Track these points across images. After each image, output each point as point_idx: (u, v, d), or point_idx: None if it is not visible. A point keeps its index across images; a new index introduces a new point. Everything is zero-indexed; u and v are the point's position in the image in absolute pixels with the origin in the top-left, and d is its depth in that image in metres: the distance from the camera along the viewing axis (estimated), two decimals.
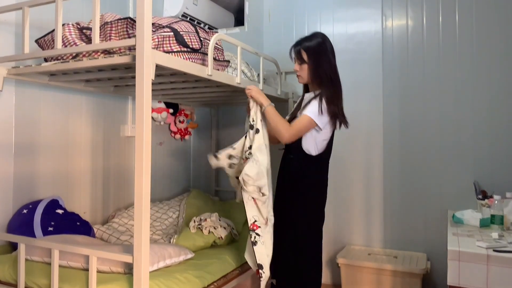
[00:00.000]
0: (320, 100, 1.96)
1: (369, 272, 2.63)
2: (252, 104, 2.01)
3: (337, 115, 2.00)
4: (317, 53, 2.02)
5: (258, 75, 2.46)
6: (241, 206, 2.89)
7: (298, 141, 2.01)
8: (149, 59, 1.40)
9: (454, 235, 1.92)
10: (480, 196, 2.36)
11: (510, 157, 2.57)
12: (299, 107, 2.13)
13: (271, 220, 1.94)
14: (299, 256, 2.03)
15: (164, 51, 1.63)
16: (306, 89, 2.18)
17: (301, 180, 2.05)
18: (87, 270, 1.58)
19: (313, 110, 1.95)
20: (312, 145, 2.01)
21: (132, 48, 1.59)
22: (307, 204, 2.04)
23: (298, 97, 2.88)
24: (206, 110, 3.49)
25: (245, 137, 2.00)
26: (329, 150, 2.09)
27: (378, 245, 2.93)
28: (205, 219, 2.27)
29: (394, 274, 2.56)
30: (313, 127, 1.97)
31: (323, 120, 1.97)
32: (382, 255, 2.78)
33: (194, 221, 2.26)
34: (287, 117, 2.24)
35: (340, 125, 2.06)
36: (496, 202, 2.07)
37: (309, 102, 2.01)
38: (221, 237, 2.24)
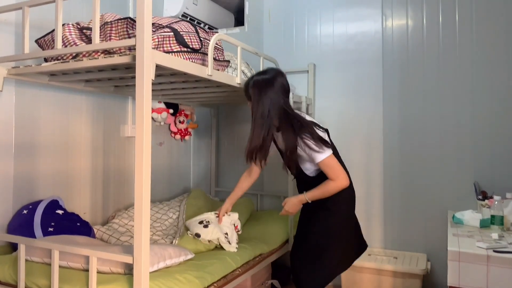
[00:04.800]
0: (307, 140, 1.86)
1: (369, 272, 2.63)
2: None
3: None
4: (261, 88, 1.88)
5: None
6: (241, 206, 2.91)
7: (298, 166, 2.00)
8: (149, 59, 1.40)
9: (454, 236, 1.92)
10: (480, 197, 2.36)
11: (510, 157, 2.57)
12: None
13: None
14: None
15: (164, 51, 1.63)
16: None
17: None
18: (87, 270, 1.58)
19: (316, 150, 1.85)
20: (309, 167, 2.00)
21: (132, 48, 1.58)
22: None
23: (298, 97, 2.89)
24: (206, 110, 3.49)
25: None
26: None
27: (378, 245, 2.93)
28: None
29: (394, 274, 2.56)
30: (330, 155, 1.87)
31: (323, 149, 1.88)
32: (382, 255, 2.78)
33: (189, 233, 2.18)
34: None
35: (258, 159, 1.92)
36: (496, 202, 2.07)
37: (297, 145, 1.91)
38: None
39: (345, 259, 2.06)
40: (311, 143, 1.85)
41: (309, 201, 1.97)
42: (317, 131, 1.90)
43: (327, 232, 1.99)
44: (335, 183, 1.88)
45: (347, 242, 2.04)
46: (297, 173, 2.04)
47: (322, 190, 1.92)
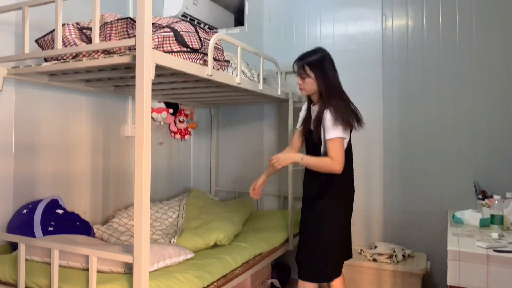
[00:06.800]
0: (331, 114, 1.98)
1: (369, 272, 2.63)
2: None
3: (349, 121, 2.01)
4: (320, 67, 2.07)
5: (258, 75, 2.46)
6: (241, 206, 2.91)
7: (318, 151, 2.07)
8: (149, 59, 1.40)
9: (454, 235, 1.92)
10: (480, 196, 2.36)
11: (510, 157, 2.57)
12: (310, 118, 2.13)
13: None
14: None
15: (164, 51, 1.63)
16: (310, 99, 2.19)
17: (327, 182, 2.07)
18: (87, 270, 1.58)
19: (334, 128, 1.96)
20: None
21: (132, 48, 1.58)
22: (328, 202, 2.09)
23: (298, 97, 2.89)
24: (206, 110, 3.49)
25: None
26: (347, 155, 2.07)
27: None
28: None
29: (394, 274, 2.56)
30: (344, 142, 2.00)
31: (341, 130, 1.97)
32: None
33: None
34: (298, 126, 2.25)
35: (358, 126, 2.09)
36: (496, 202, 2.07)
37: (321, 118, 2.02)
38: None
39: (337, 255, 2.12)
40: (331, 117, 1.96)
41: (301, 163, 2.01)
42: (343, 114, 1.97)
43: (321, 224, 2.06)
44: (331, 162, 1.94)
45: (338, 237, 2.09)
46: (314, 149, 2.08)
47: (318, 161, 2.00)
